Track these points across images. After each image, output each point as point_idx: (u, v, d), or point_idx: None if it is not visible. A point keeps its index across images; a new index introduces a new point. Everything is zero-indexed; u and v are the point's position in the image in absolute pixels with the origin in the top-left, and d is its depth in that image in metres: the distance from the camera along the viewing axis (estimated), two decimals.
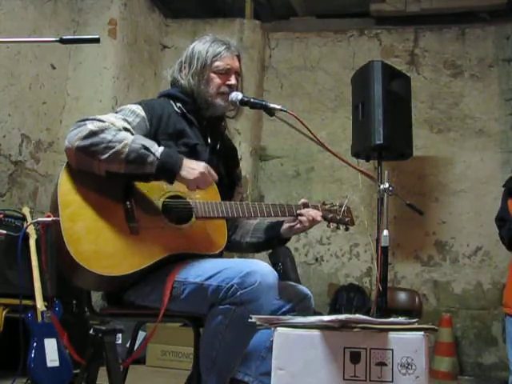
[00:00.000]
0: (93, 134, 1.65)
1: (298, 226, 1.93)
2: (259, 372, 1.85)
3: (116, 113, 1.84)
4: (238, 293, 1.60)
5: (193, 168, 1.71)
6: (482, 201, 4.63)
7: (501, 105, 4.75)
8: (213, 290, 1.64)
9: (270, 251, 4.63)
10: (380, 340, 1.25)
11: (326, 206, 2.03)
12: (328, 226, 2.03)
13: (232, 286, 1.61)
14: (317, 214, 1.92)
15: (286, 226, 1.97)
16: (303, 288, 2.00)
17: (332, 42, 5.20)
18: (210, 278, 1.66)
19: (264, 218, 1.95)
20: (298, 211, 1.93)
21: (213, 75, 1.95)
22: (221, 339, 1.64)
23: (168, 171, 1.69)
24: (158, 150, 1.68)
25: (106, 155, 1.64)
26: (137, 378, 2.94)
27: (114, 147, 1.64)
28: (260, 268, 1.64)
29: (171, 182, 1.74)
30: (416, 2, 4.75)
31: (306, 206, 1.95)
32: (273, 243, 2.04)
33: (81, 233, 1.63)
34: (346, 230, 2.08)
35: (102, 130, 1.67)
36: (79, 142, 1.65)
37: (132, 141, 1.66)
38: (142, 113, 1.85)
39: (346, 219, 2.05)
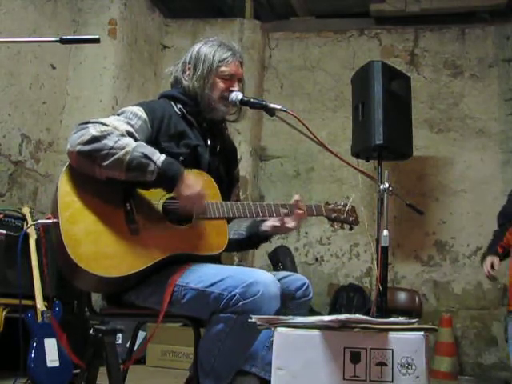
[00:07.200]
0: (95, 139, 1.64)
1: (280, 226, 1.92)
2: (265, 362, 1.84)
3: (118, 115, 1.83)
4: (240, 303, 1.59)
5: (192, 183, 1.70)
6: (482, 201, 4.62)
7: (501, 105, 4.75)
8: (214, 298, 1.64)
9: (270, 251, 4.63)
10: (380, 340, 1.25)
11: (330, 206, 2.02)
12: (332, 226, 2.01)
13: (234, 295, 1.60)
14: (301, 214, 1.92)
15: (268, 224, 1.96)
16: (301, 276, 1.97)
17: (332, 42, 5.20)
18: (211, 285, 1.66)
19: (265, 218, 1.94)
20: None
21: (217, 80, 1.95)
22: (220, 346, 1.64)
23: (168, 180, 1.68)
24: (160, 158, 1.67)
25: (107, 162, 1.63)
26: (137, 378, 2.93)
27: (115, 154, 1.63)
28: (263, 278, 1.64)
29: (170, 191, 1.73)
30: (416, 2, 4.75)
31: (296, 205, 1.93)
32: (253, 241, 2.02)
33: (80, 234, 1.62)
34: (351, 229, 2.06)
35: (104, 136, 1.65)
36: (80, 147, 1.64)
37: (133, 148, 1.65)
38: (144, 115, 1.84)
39: (351, 218, 2.04)
